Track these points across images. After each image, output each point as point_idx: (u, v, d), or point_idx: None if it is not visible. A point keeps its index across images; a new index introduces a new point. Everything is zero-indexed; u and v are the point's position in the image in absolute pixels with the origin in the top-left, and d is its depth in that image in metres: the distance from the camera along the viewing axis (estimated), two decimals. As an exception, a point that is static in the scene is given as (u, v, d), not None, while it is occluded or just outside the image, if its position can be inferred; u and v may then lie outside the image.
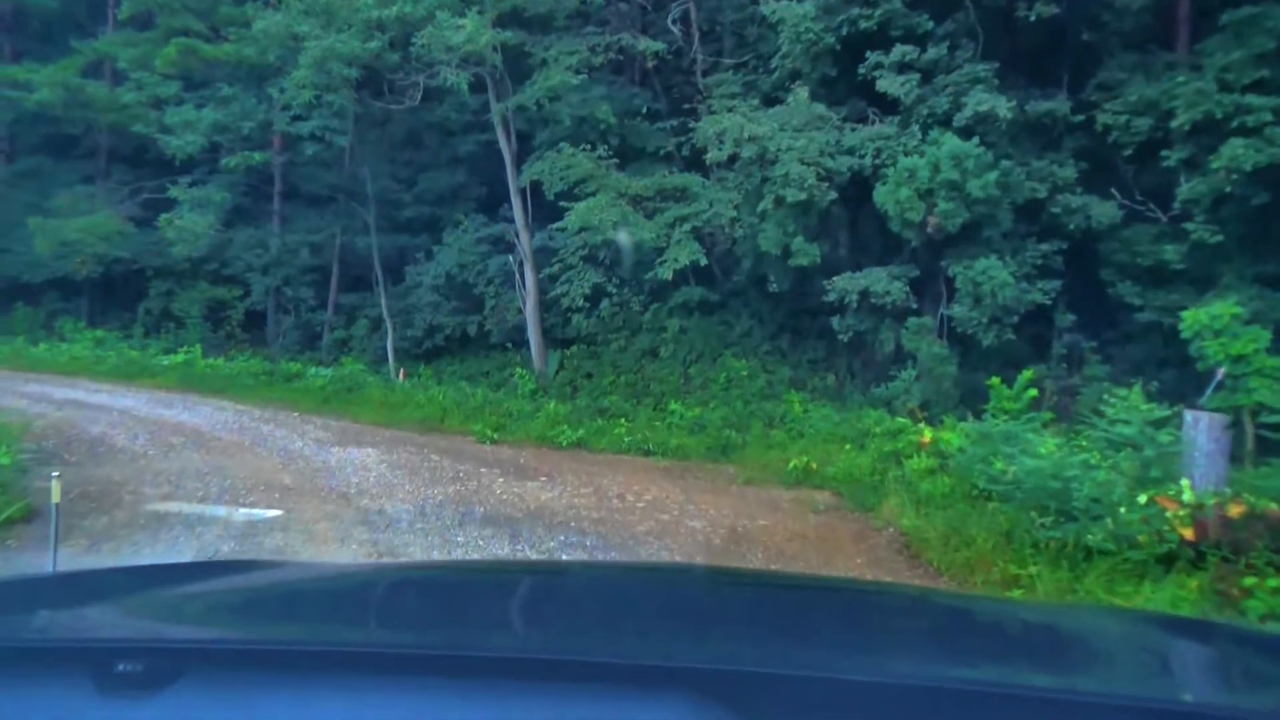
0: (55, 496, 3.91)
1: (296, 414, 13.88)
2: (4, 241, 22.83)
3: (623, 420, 13.26)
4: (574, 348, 17.52)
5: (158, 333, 22.66)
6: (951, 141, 11.58)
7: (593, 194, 13.96)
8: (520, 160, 16.76)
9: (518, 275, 17.45)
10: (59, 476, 4.26)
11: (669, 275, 13.47)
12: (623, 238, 19.78)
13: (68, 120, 22.06)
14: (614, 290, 15.58)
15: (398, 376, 17.86)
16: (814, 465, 10.52)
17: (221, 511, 7.49)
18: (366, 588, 2.19)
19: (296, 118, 17.09)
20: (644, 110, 16.42)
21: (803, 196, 12.09)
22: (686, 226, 13.70)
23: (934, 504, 8.23)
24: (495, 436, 12.63)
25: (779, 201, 12.43)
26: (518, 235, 17.12)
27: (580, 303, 15.65)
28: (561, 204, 14.41)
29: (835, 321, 13.34)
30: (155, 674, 1.18)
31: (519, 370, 16.94)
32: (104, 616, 1.65)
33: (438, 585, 2.24)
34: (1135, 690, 1.45)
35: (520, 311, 17.83)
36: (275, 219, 22.59)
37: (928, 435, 10.30)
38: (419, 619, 1.83)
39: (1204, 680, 1.69)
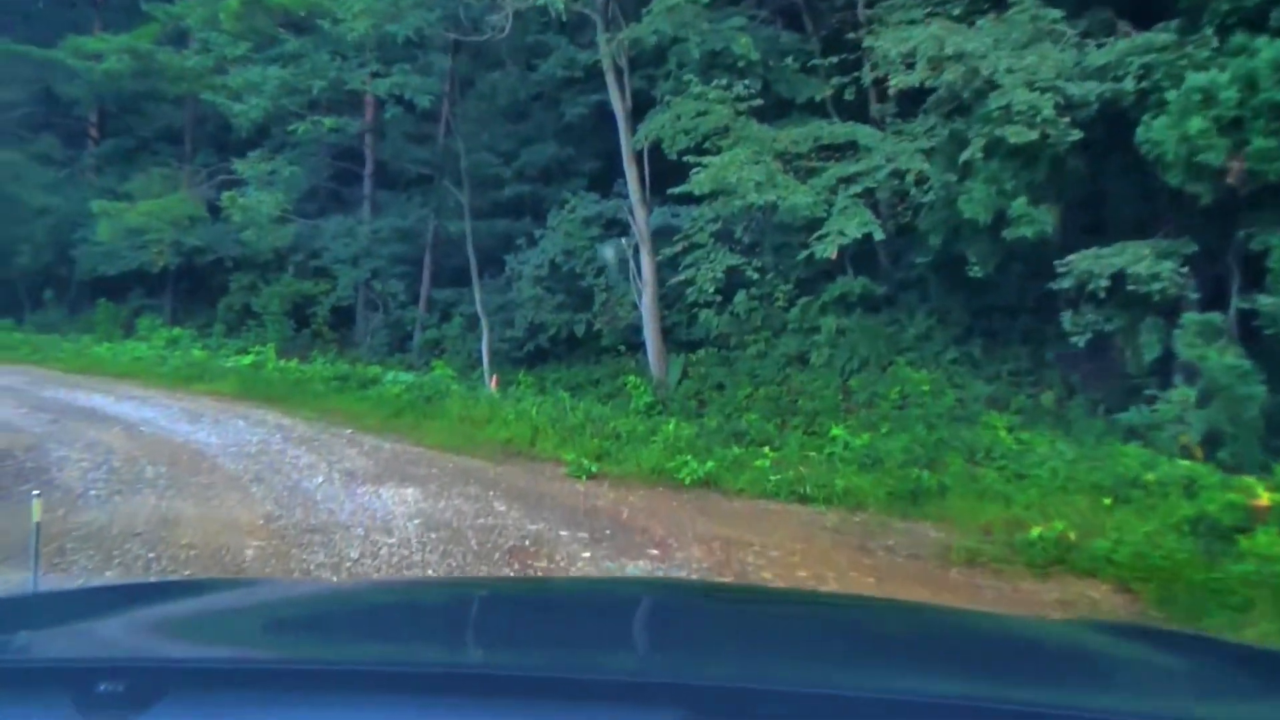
0: (36, 515, 2.95)
1: (350, 431, 10.97)
2: (85, 230, 21.03)
3: (766, 449, 9.80)
4: (701, 352, 14.17)
5: (238, 331, 20.45)
6: (1274, 47, 7.71)
7: (730, 148, 10.54)
8: (636, 120, 13.50)
9: (632, 262, 14.20)
10: (39, 495, 3.11)
11: (831, 252, 9.94)
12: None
13: (148, 97, 20.10)
14: (756, 275, 12.05)
15: (489, 385, 14.88)
16: (1069, 534, 6.83)
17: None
18: (354, 605, 2.13)
19: (374, 74, 14.34)
20: (792, 52, 12.90)
21: (1031, 136, 8.42)
22: (855, 189, 10.15)
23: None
24: (594, 468, 9.39)
25: (993, 147, 8.78)
26: (632, 212, 13.87)
27: (710, 293, 12.23)
28: (688, 159, 11.02)
29: (1067, 319, 9.55)
30: (137, 694, 1.14)
31: (632, 379, 13.69)
32: (85, 636, 1.60)
33: (426, 602, 2.20)
34: (1121, 705, 1.42)
35: (635, 307, 14.59)
36: (365, 204, 20.06)
37: (1264, 495, 6.51)
38: (406, 636, 1.77)
39: (1198, 695, 1.60)
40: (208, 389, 14.89)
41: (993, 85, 8.52)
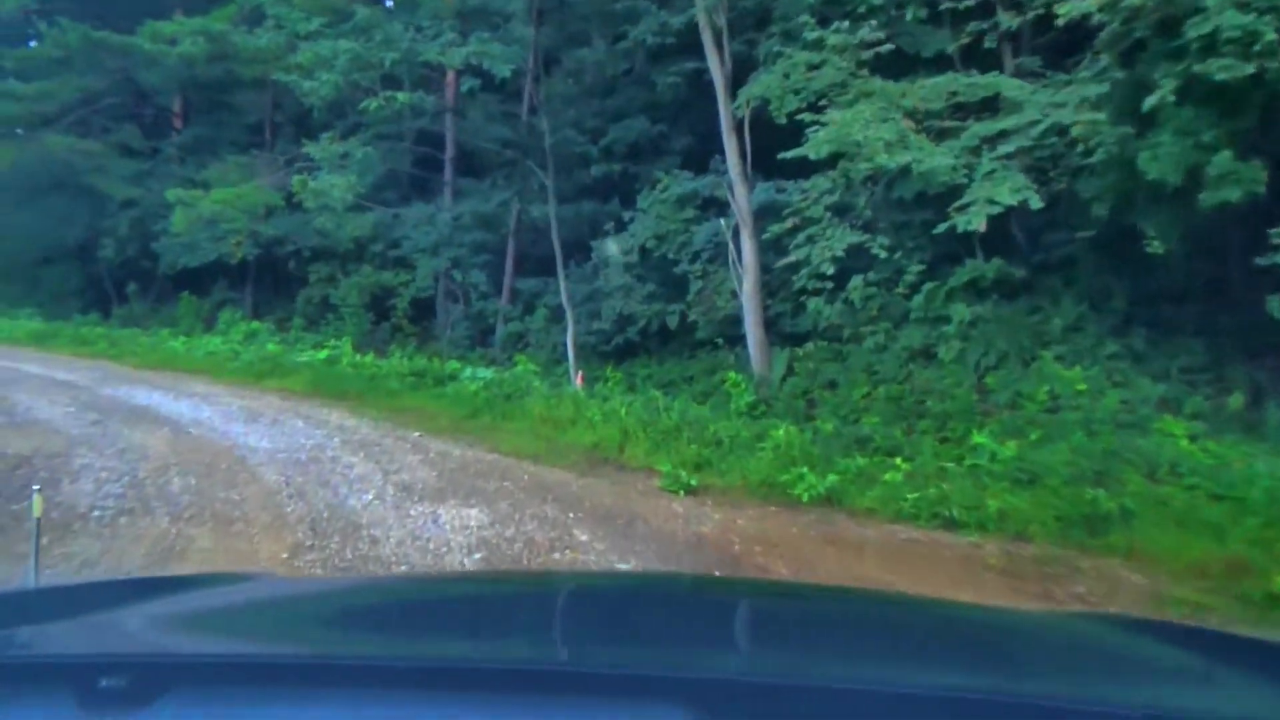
0: (37, 511, 3.41)
1: (417, 434, 9.79)
2: (165, 222, 20.49)
3: (897, 459, 8.24)
4: (809, 345, 12.61)
5: (317, 325, 19.65)
6: None
7: (850, 106, 8.97)
8: (737, 84, 12.02)
9: (731, 246, 12.74)
10: (40, 491, 3.55)
11: (979, 224, 8.29)
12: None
13: (226, 82, 19.43)
14: (884, 253, 10.39)
15: (575, 381, 13.61)
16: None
17: None
18: (356, 600, 2.16)
19: (449, 44, 13.17)
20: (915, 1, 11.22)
21: (1246, 70, 6.68)
22: (1005, 149, 8.47)
23: None
24: (693, 481, 7.97)
25: (1189, 89, 7.06)
26: (731, 189, 12.40)
27: (827, 275, 10.65)
28: (804, 117, 9.48)
29: (1276, 303, 7.74)
30: (140, 689, 1.14)
31: (732, 376, 12.24)
32: (87, 631, 1.59)
33: (427, 597, 2.21)
34: (1113, 695, 1.39)
35: (734, 295, 13.13)
36: (446, 191, 19.02)
37: None
38: (409, 631, 1.78)
39: (1198, 687, 1.59)
40: (278, 385, 13.97)
41: (1196, 9, 6.78)
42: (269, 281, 22.45)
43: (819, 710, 1.17)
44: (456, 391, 13.04)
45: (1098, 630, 2.06)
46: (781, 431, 9.04)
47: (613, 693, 1.20)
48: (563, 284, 15.34)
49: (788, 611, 2.06)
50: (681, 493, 7.73)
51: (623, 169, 15.73)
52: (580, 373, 13.79)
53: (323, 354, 15.76)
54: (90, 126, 21.63)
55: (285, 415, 10.62)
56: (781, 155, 9.71)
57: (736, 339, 13.74)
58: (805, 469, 8.12)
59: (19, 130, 21.09)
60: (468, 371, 14.17)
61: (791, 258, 10.85)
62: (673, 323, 14.86)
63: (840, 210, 10.79)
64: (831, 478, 7.91)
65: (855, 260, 11.28)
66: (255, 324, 19.56)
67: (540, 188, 15.86)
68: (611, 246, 15.30)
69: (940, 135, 9.15)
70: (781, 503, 7.58)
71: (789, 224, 10.92)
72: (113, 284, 23.54)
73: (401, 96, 13.60)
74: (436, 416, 11.42)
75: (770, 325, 12.88)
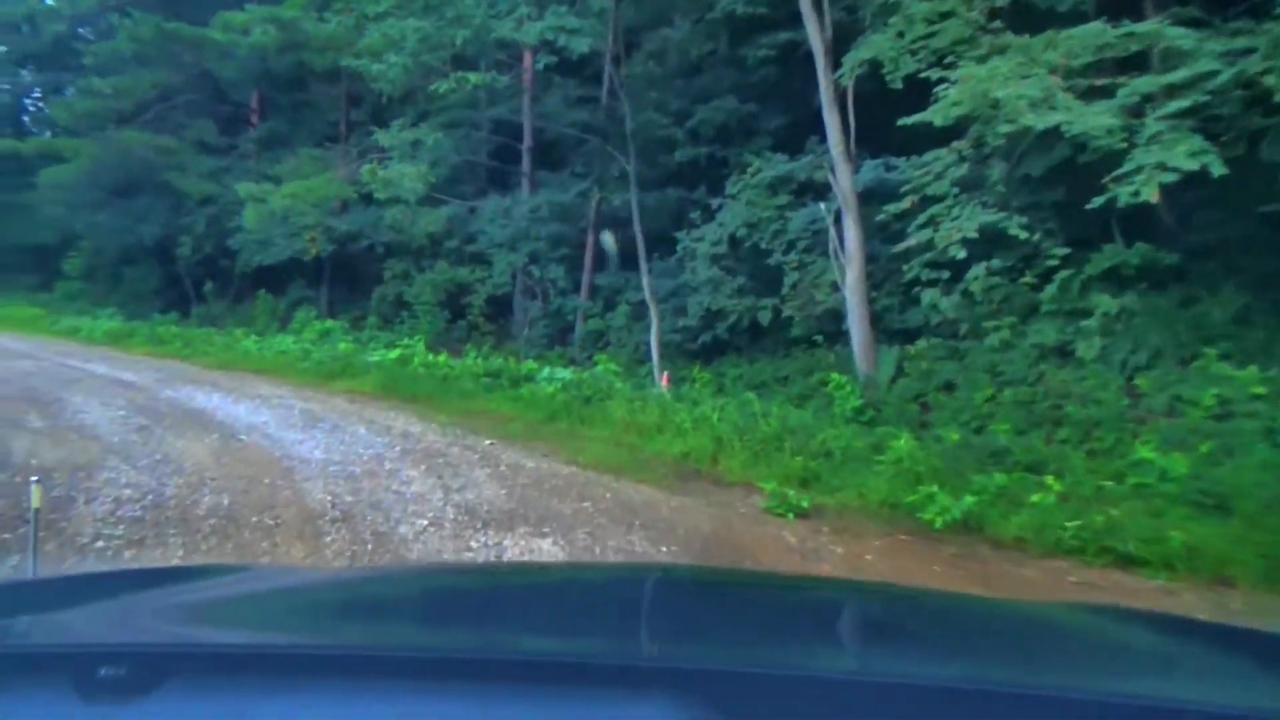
0: (36, 502, 3.36)
1: (489, 442, 8.83)
2: (241, 218, 20.07)
3: (1046, 477, 6.93)
4: (921, 342, 11.28)
5: (392, 323, 18.96)
6: None
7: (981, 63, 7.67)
8: (839, 52, 10.78)
9: (832, 232, 11.49)
10: (39, 481, 3.42)
11: (1151, 194, 6.89)
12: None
13: (300, 74, 18.89)
14: (1024, 233, 9.00)
15: (659, 382, 12.54)
16: None
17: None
18: (354, 591, 2.08)
19: (524, 18, 12.19)
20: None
21: None
22: (1175, 106, 7.07)
23: None
24: (804, 503, 6.81)
25: None
26: (833, 170, 11.15)
27: (955, 260, 9.33)
28: (927, 75, 8.20)
29: None
30: (139, 679, 1.13)
31: (834, 377, 11.01)
32: (86, 621, 1.57)
33: (425, 588, 2.18)
34: (1111, 686, 1.41)
35: (835, 288, 11.88)
36: (524, 182, 18.11)
37: None
38: (406, 622, 1.77)
39: (1196, 678, 1.58)
40: (347, 386, 13.23)
41: None
42: (344, 279, 21.91)
43: (812, 699, 1.16)
44: (533, 393, 12.10)
45: (1097, 621, 2.03)
46: (902, 442, 7.80)
47: (604, 683, 1.19)
48: (645, 278, 14.26)
49: (781, 602, 2.06)
50: (791, 516, 6.58)
51: (710, 153, 14.58)
52: (665, 373, 12.71)
53: (394, 353, 14.98)
54: (167, 123, 21.35)
55: (347, 420, 9.77)
56: (901, 121, 8.43)
57: (837, 336, 12.50)
58: (935, 487, 6.89)
59: (100, 128, 20.88)
60: (545, 372, 13.22)
61: (910, 241, 9.53)
62: (765, 319, 13.67)
63: (970, 186, 9.43)
64: (968, 499, 6.66)
65: (975, 246, 9.94)
66: (329, 322, 18.99)
67: (621, 175, 14.81)
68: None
69: (1088, 95, 7.77)
70: (911, 529, 6.37)
71: (907, 204, 9.60)
72: (191, 283, 23.31)
73: (474, 77, 12.68)
74: (510, 421, 10.47)
75: (877, 320, 11.59)
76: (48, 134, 24.83)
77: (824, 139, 12.24)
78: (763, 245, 13.30)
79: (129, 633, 1.51)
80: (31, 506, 3.40)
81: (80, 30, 23.08)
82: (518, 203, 17.66)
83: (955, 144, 8.84)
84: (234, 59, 19.06)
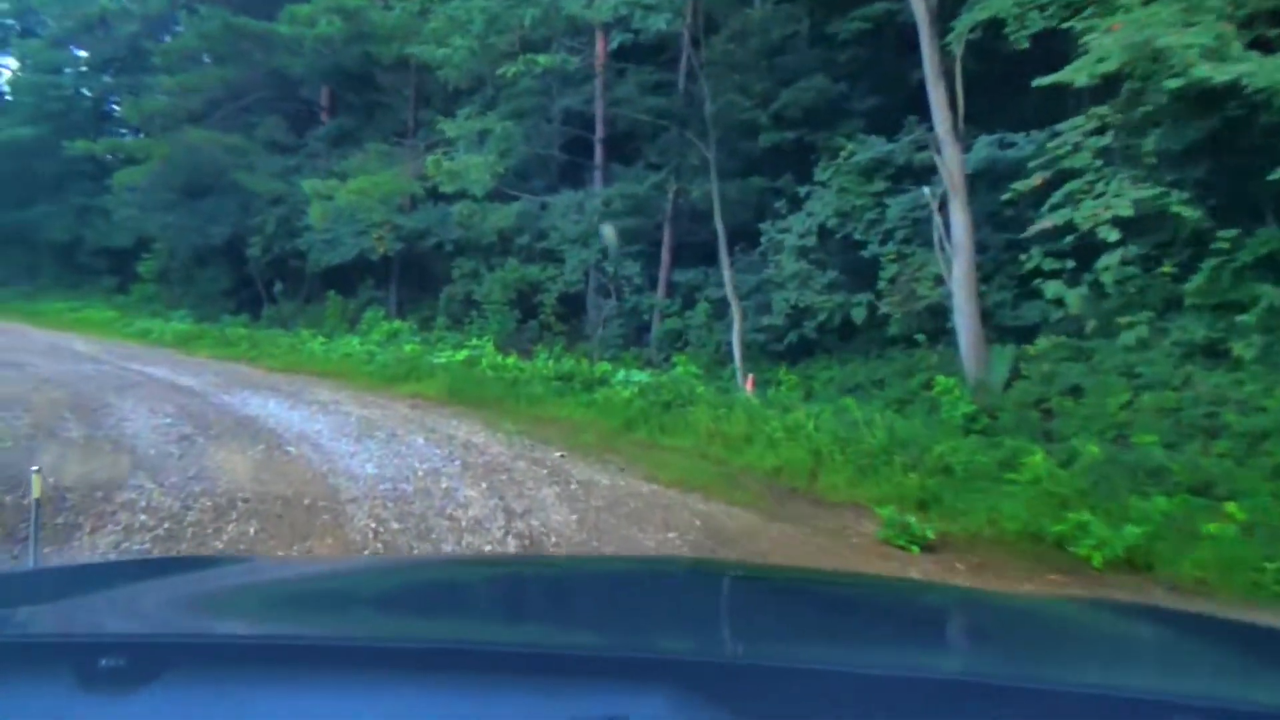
0: (36, 492, 3.41)
1: (559, 454, 7.95)
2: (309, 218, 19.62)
3: (1228, 504, 5.75)
4: (1041, 341, 10.07)
5: (461, 324, 18.26)
6: None
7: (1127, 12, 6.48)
8: (944, 19, 9.65)
9: (937, 220, 10.34)
10: (39, 471, 3.43)
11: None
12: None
13: (368, 69, 18.34)
14: (1188, 211, 7.70)
15: (744, 386, 11.54)
16: None
17: None
18: (355, 583, 2.10)
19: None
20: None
21: None
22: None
23: None
24: (927, 531, 5.75)
25: None
26: (939, 149, 10.02)
27: (1110, 243, 8.07)
28: (1071, 25, 7.03)
29: None
30: (140, 669, 1.13)
31: (941, 380, 9.88)
32: (87, 611, 1.59)
33: (426, 580, 2.17)
34: (1114, 680, 1.39)
35: (940, 281, 10.73)
36: (596, 175, 17.24)
37: None
38: (404, 613, 1.77)
39: (1198, 674, 1.54)
40: (411, 390, 12.51)
41: None
42: (413, 278, 21.31)
43: (812, 693, 1.15)
44: (607, 398, 11.21)
45: (1108, 617, 2.00)
46: (1038, 458, 6.69)
47: (605, 675, 1.19)
48: (727, 273, 13.26)
49: (782, 596, 2.04)
50: (915, 548, 5.55)
51: (797, 137, 13.49)
52: (750, 376, 11.70)
53: (461, 355, 14.24)
54: (237, 123, 21.04)
55: (407, 429, 8.97)
56: (1038, 82, 7.26)
57: (940, 334, 11.35)
58: (1085, 514, 5.78)
59: (171, 128, 20.63)
60: (620, 374, 12.33)
61: (1044, 224, 8.30)
62: (859, 316, 12.56)
63: (1129, 155, 8.17)
64: (1130, 530, 5.54)
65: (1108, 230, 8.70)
66: (397, 323, 18.35)
67: (700, 163, 13.82)
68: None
69: (1257, 47, 6.53)
70: (1063, 568, 5.28)
71: (1036, 181, 8.41)
72: (262, 284, 22.98)
73: (543, 59, 11.84)
74: (583, 429, 9.58)
75: (988, 317, 10.41)
76: (125, 136, 24.84)
77: (924, 119, 11.14)
78: (856, 236, 12.20)
79: (130, 623, 1.51)
80: (31, 496, 3.37)
81: (151, 30, 22.96)
82: (590, 196, 16.79)
83: (1094, 109, 7.64)
84: (301, 54, 18.59)
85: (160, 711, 1.12)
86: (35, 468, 3.56)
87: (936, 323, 11.46)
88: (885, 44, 13.21)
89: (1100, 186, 7.76)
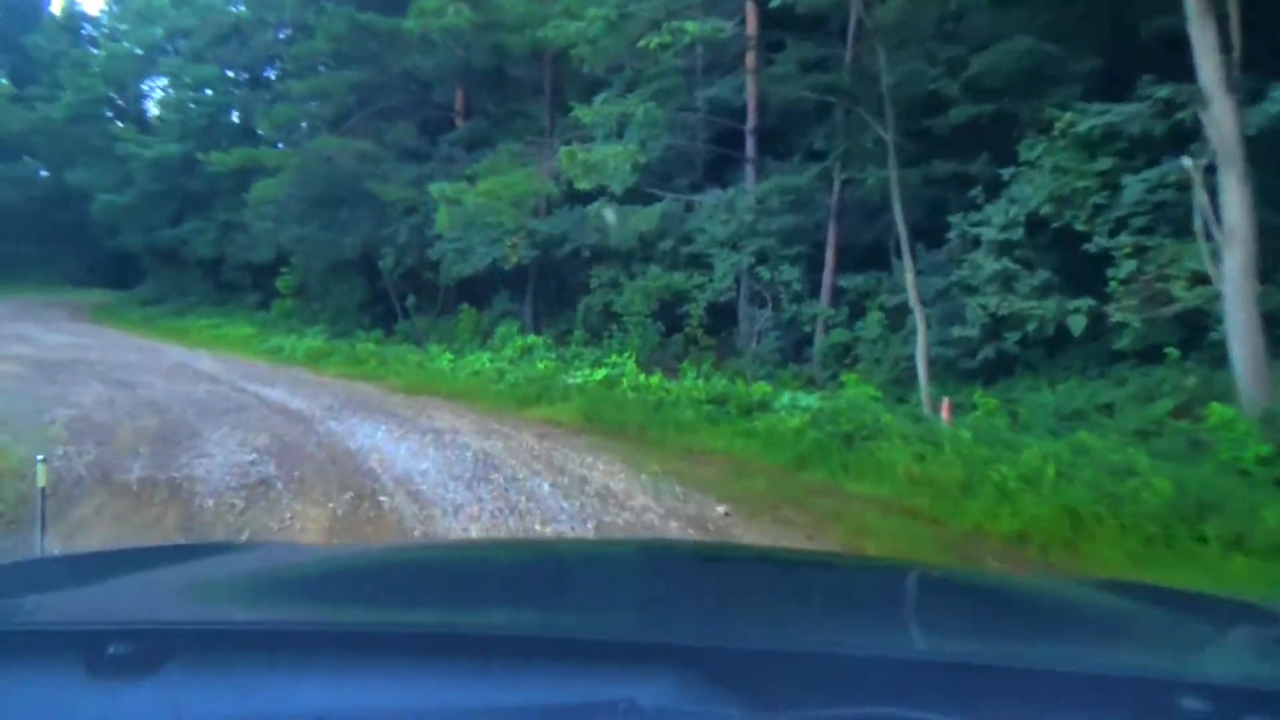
0: (41, 480, 3.45)
1: (723, 509, 6.12)
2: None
3: None
4: (1356, 356, 7.59)
5: (600, 338, 16.70)
6: None
7: None
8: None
9: (1201, 199, 7.99)
10: (44, 460, 3.51)
11: None
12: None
13: (501, 64, 17.07)
14: None
15: (936, 414, 9.44)
16: None
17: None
18: (359, 568, 2.11)
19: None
20: None
21: None
22: None
23: None
24: None
25: None
26: (1206, 106, 7.70)
27: None
28: None
29: None
30: (147, 656, 1.11)
31: (1217, 409, 7.52)
32: (93, 599, 1.58)
33: (429, 564, 2.15)
34: (1105, 659, 1.36)
35: (1202, 280, 8.36)
36: (747, 169, 15.37)
37: None
38: (411, 598, 1.73)
39: (1205, 654, 1.57)
40: (542, 414, 10.96)
41: None
42: (550, 289, 19.92)
43: (817, 676, 1.14)
44: (771, 427, 9.34)
45: (1107, 597, 1.96)
46: None
47: (608, 659, 1.18)
48: (909, 276, 11.13)
49: (785, 579, 2.02)
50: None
51: (995, 110, 11.24)
52: (946, 400, 9.55)
53: (599, 374, 12.61)
54: (369, 130, 20.19)
55: (531, 467, 7.32)
56: None
57: (1197, 346, 8.98)
58: None
59: (304, 137, 20.00)
60: (785, 398, 10.40)
61: None
62: (1077, 325, 10.25)
63: None
64: None
65: None
66: (531, 338, 16.93)
67: (875, 146, 11.75)
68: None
69: None
70: None
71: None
72: (396, 297, 22.10)
73: (690, 27, 10.09)
74: (746, 469, 7.74)
75: (1270, 324, 7.99)
76: (262, 147, 24.53)
77: (1164, 76, 8.87)
78: (1078, 226, 9.91)
79: (137, 610, 1.48)
80: (37, 485, 3.48)
81: (281, 36, 22.51)
82: (741, 193, 14.93)
83: None
84: (431, 53, 17.52)
85: (168, 698, 1.09)
86: (41, 457, 3.52)
87: (1188, 332, 9.09)
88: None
89: None
